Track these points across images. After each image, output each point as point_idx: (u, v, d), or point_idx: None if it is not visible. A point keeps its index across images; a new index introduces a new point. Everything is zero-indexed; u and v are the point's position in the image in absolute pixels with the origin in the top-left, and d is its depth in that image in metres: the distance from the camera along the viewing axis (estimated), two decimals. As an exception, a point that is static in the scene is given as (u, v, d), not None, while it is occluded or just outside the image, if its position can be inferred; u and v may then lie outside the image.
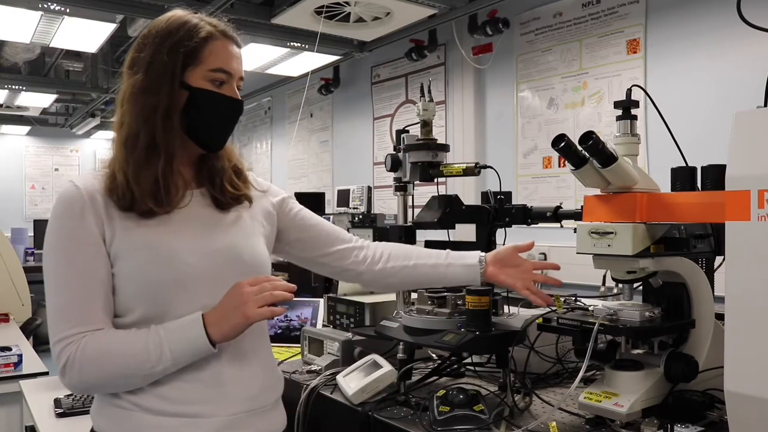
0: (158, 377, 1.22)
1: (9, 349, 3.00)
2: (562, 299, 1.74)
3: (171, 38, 1.28)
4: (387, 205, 5.13)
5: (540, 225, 1.83)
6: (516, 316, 1.79)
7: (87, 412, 1.74)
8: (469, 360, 1.96)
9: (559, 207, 1.75)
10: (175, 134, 1.28)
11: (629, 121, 1.51)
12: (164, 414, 1.23)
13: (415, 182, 1.93)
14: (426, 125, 1.91)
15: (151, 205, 1.25)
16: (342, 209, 4.85)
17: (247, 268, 1.33)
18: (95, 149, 9.60)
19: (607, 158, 1.40)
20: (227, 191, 1.37)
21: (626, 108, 1.52)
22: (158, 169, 1.26)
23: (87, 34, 4.43)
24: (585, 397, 1.50)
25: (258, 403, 1.34)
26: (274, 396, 1.42)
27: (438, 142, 1.89)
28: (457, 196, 1.83)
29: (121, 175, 1.25)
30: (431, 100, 1.92)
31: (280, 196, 1.54)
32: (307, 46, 4.78)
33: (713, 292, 1.60)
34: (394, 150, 1.96)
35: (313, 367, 2.04)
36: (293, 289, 1.28)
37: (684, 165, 1.63)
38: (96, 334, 1.21)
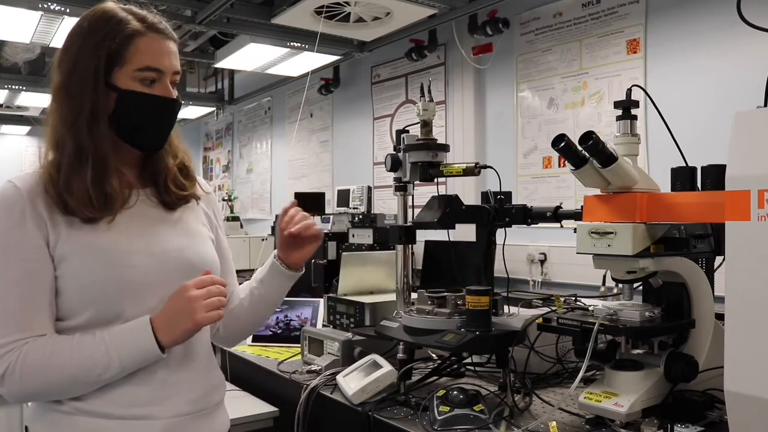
0: (104, 383, 1.19)
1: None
2: (562, 299, 1.74)
3: (94, 37, 1.21)
4: (387, 205, 5.13)
5: (540, 225, 1.83)
6: (516, 316, 1.79)
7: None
8: (469, 360, 1.96)
9: (559, 207, 1.75)
10: (103, 139, 1.22)
11: (629, 121, 1.51)
12: (109, 417, 1.20)
13: (415, 182, 1.92)
14: (426, 125, 1.91)
15: (88, 212, 1.19)
16: (342, 209, 4.85)
17: (195, 270, 1.28)
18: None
19: (607, 158, 1.40)
20: (172, 191, 1.33)
21: (626, 108, 1.52)
22: (87, 177, 1.20)
23: (87, 34, 4.41)
24: (585, 397, 1.50)
25: (202, 404, 1.31)
26: (218, 397, 1.38)
27: (438, 142, 1.89)
28: (457, 196, 1.83)
29: (54, 180, 1.20)
30: (431, 100, 1.92)
31: (217, 211, 1.49)
32: (307, 46, 4.78)
33: (713, 292, 1.60)
34: (394, 150, 1.96)
35: (313, 367, 2.04)
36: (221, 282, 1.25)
37: (684, 165, 1.63)
38: (38, 340, 1.16)
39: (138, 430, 1.21)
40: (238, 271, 1.59)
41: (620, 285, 1.68)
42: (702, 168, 1.59)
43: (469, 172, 1.79)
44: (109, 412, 1.20)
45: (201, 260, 1.32)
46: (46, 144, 1.25)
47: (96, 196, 1.20)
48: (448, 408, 1.56)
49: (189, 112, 7.43)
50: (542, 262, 3.78)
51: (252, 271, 1.58)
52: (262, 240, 5.45)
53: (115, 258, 1.20)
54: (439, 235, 1.99)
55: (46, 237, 1.19)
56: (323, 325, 2.47)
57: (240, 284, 1.54)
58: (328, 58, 5.21)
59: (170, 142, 1.35)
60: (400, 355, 1.79)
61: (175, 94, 1.28)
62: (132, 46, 1.21)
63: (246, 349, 2.46)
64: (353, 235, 4.31)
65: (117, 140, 1.26)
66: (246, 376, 2.34)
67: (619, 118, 1.53)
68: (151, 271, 1.24)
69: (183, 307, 1.19)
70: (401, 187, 1.94)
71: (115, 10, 1.24)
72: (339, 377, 1.86)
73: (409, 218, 1.95)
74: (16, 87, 6.29)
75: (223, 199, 6.60)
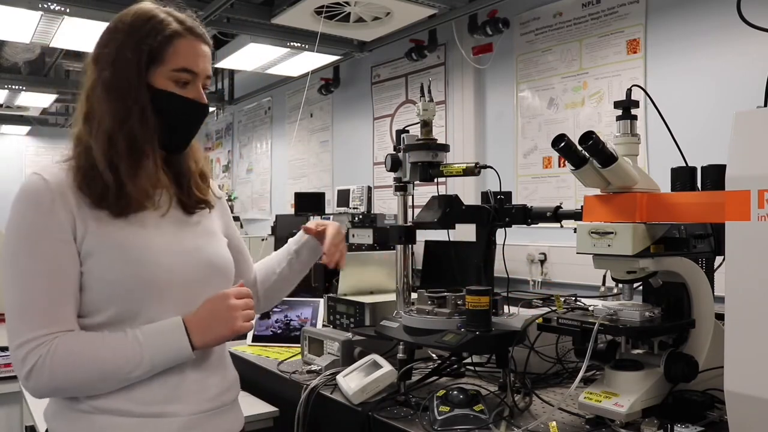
0: (132, 382, 1.20)
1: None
2: (562, 299, 1.74)
3: (135, 34, 1.23)
4: (387, 205, 5.13)
5: (540, 225, 1.83)
6: (516, 316, 1.79)
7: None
8: (469, 360, 1.96)
9: (559, 207, 1.75)
10: (154, 133, 1.24)
11: (629, 121, 1.51)
12: (128, 415, 1.20)
13: (415, 182, 1.92)
14: (426, 125, 1.91)
15: (147, 203, 1.23)
16: (342, 209, 4.85)
17: (213, 269, 1.31)
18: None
19: (607, 158, 1.40)
20: (193, 194, 1.35)
21: (626, 108, 1.52)
22: (150, 169, 1.23)
23: (87, 34, 4.42)
24: (585, 397, 1.50)
25: (219, 402, 1.33)
26: (233, 395, 1.40)
27: (438, 142, 1.89)
28: (457, 196, 1.83)
29: (109, 173, 1.20)
30: (431, 100, 1.92)
31: (228, 215, 1.53)
32: (307, 46, 4.78)
33: (713, 292, 1.60)
34: (394, 150, 1.96)
35: (313, 367, 2.04)
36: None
37: (684, 165, 1.63)
38: (68, 335, 1.17)
39: (156, 427, 1.22)
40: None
41: (620, 285, 1.67)
42: (702, 168, 1.59)
43: (469, 172, 1.79)
44: (127, 410, 1.20)
45: (220, 260, 1.35)
46: (79, 139, 1.25)
47: (153, 186, 1.24)
48: (448, 408, 1.56)
49: (189, 112, 7.42)
50: (542, 262, 3.78)
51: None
52: (262, 240, 5.45)
53: (141, 256, 1.21)
54: (439, 235, 1.99)
55: (74, 231, 1.18)
56: (323, 325, 2.47)
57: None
58: (328, 58, 5.22)
59: (192, 146, 1.37)
60: (400, 355, 1.79)
61: (205, 98, 1.31)
62: (171, 47, 1.24)
63: (246, 349, 2.46)
64: (353, 235, 4.31)
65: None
66: (246, 376, 2.32)
67: (619, 118, 1.53)
68: (174, 270, 1.25)
69: (223, 314, 1.23)
70: (401, 187, 1.94)
71: (156, 11, 1.26)
72: (339, 377, 1.86)
73: (409, 218, 1.95)
74: (16, 87, 6.30)
75: (223, 199, 6.60)
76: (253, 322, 1.29)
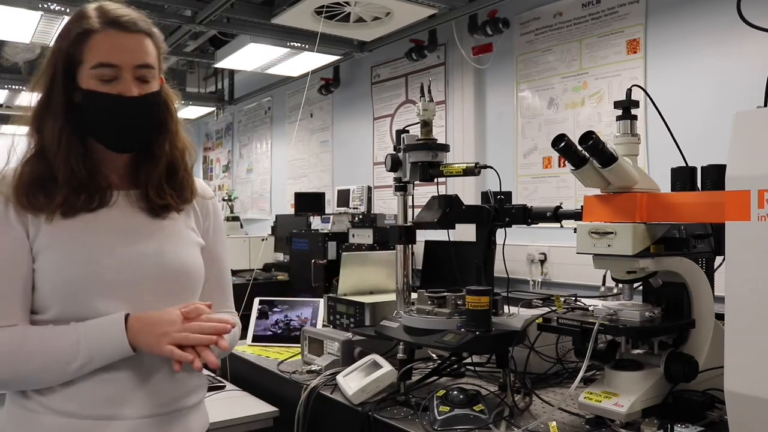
0: (73, 376, 1.18)
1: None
2: (562, 299, 1.74)
3: (60, 39, 1.25)
4: (387, 205, 5.13)
5: (540, 225, 1.83)
6: (516, 316, 1.79)
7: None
8: (469, 360, 1.96)
9: (559, 207, 1.75)
10: (62, 134, 1.23)
11: (629, 121, 1.52)
12: (74, 416, 1.19)
13: (415, 182, 1.92)
14: (426, 125, 1.91)
15: (88, 202, 1.23)
16: (342, 209, 4.85)
17: (172, 274, 1.28)
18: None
19: (607, 158, 1.40)
20: (157, 197, 1.31)
21: (626, 108, 1.52)
22: (77, 167, 1.23)
23: (87, 34, 4.41)
24: (585, 397, 1.50)
25: (174, 406, 1.29)
26: (195, 399, 1.35)
27: (438, 142, 1.89)
28: (457, 196, 1.83)
29: (44, 170, 1.22)
30: (431, 100, 1.92)
31: (213, 218, 1.45)
32: (307, 46, 4.78)
33: (713, 292, 1.60)
34: (394, 150, 1.96)
35: (313, 367, 2.04)
36: (223, 330, 1.23)
37: (684, 165, 1.62)
38: (8, 329, 1.17)
39: (103, 430, 1.20)
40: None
41: (620, 285, 1.67)
42: (702, 168, 1.59)
43: (469, 172, 1.79)
44: (73, 411, 1.19)
45: (181, 265, 1.31)
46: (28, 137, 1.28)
47: (84, 187, 1.23)
48: (448, 408, 1.56)
49: (189, 112, 7.44)
50: (542, 262, 3.78)
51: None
52: (262, 240, 5.45)
53: (88, 256, 1.21)
54: (439, 235, 1.99)
55: (27, 228, 1.20)
56: (323, 325, 2.47)
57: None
58: (328, 58, 5.22)
59: (160, 145, 1.32)
60: (400, 355, 1.79)
61: (142, 91, 1.24)
62: (87, 44, 1.21)
63: (246, 349, 2.46)
64: (353, 235, 4.31)
65: (88, 139, 1.26)
66: (246, 376, 2.34)
67: (619, 118, 1.53)
68: (123, 271, 1.23)
69: (160, 328, 1.19)
70: (401, 187, 1.94)
71: (84, 10, 1.24)
72: (339, 377, 1.86)
73: (409, 218, 1.95)
74: (16, 87, 6.30)
75: (223, 199, 6.61)
76: (187, 356, 1.18)
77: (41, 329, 1.19)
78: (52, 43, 1.28)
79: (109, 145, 1.28)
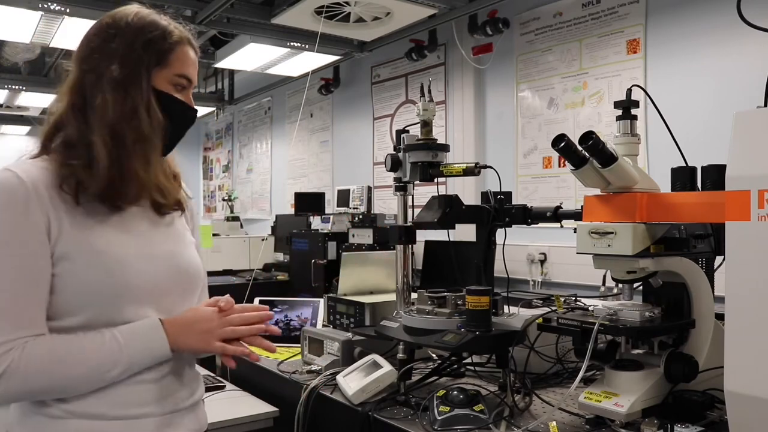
0: (110, 383, 1.18)
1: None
2: (562, 299, 1.74)
3: (144, 35, 1.25)
4: (387, 205, 5.12)
5: (540, 225, 1.83)
6: (516, 316, 1.79)
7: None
8: (469, 360, 1.96)
9: (559, 207, 1.75)
10: (159, 128, 1.25)
11: (629, 121, 1.52)
12: (103, 418, 1.18)
13: (415, 182, 1.93)
14: (426, 125, 1.91)
15: (143, 198, 1.24)
16: (342, 209, 4.84)
17: (184, 275, 1.30)
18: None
19: (607, 158, 1.40)
20: (168, 195, 1.32)
21: (626, 108, 1.52)
22: (158, 162, 1.25)
23: (87, 34, 4.42)
24: (585, 397, 1.50)
25: (190, 400, 1.32)
26: (200, 393, 1.39)
27: (438, 142, 1.89)
28: (457, 196, 1.83)
29: (111, 168, 1.18)
30: (431, 100, 1.92)
31: (195, 217, 1.49)
32: (307, 46, 4.77)
33: (713, 292, 1.60)
34: (394, 150, 1.96)
35: (313, 367, 2.04)
36: (267, 316, 1.29)
37: (684, 165, 1.63)
38: (40, 338, 1.13)
39: (133, 429, 1.21)
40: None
41: (620, 285, 1.68)
42: (702, 168, 1.59)
43: (469, 172, 1.79)
44: (102, 413, 1.18)
45: (190, 266, 1.33)
46: (67, 135, 1.23)
47: (157, 184, 1.26)
48: (448, 408, 1.56)
49: (189, 112, 7.41)
50: (542, 262, 3.78)
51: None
52: (262, 240, 5.44)
53: (118, 261, 1.19)
54: (439, 235, 2.00)
55: (49, 231, 1.15)
56: (323, 325, 2.47)
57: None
58: (328, 58, 5.21)
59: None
60: (400, 355, 1.80)
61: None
62: (175, 53, 1.28)
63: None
64: (353, 235, 4.31)
65: None
66: (246, 376, 2.34)
67: (619, 118, 1.53)
68: (147, 276, 1.23)
69: (203, 326, 1.23)
70: (401, 187, 1.94)
71: (156, 15, 1.30)
72: (339, 377, 1.86)
73: (409, 218, 1.96)
74: (16, 87, 6.29)
75: (223, 199, 6.60)
76: (238, 348, 1.26)
77: (77, 338, 1.16)
78: (121, 34, 1.26)
79: (163, 147, 1.30)
